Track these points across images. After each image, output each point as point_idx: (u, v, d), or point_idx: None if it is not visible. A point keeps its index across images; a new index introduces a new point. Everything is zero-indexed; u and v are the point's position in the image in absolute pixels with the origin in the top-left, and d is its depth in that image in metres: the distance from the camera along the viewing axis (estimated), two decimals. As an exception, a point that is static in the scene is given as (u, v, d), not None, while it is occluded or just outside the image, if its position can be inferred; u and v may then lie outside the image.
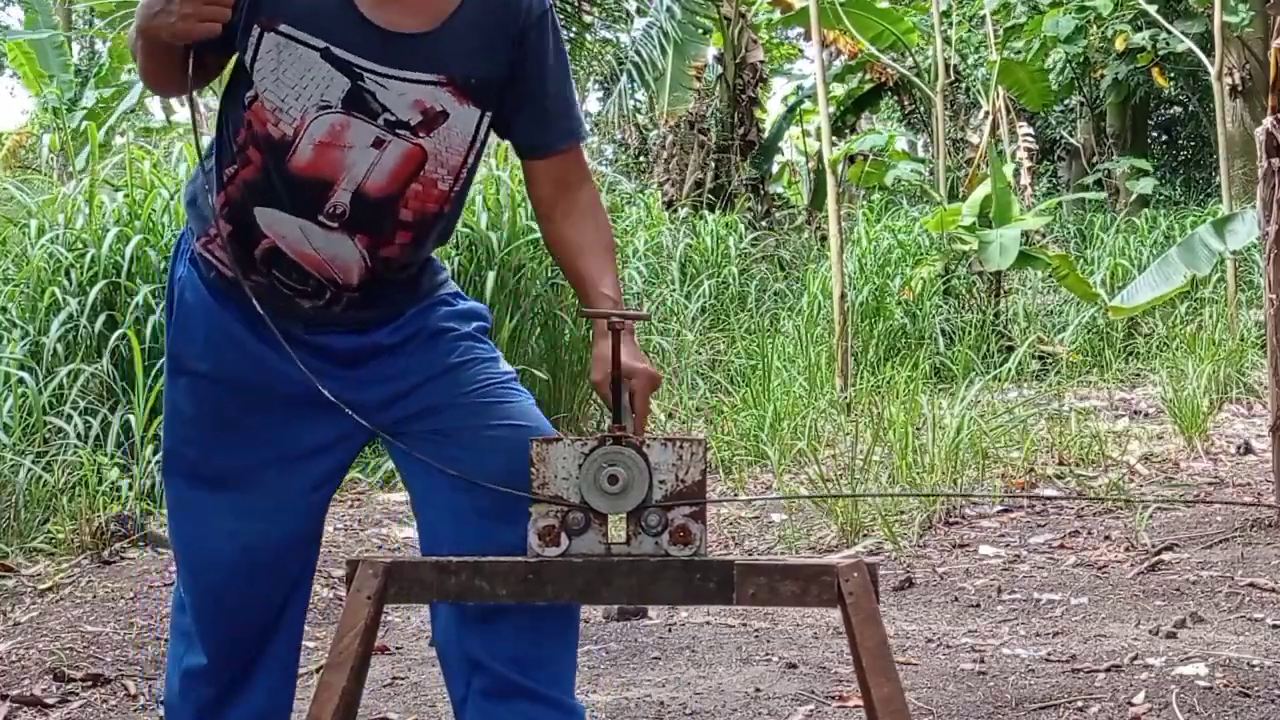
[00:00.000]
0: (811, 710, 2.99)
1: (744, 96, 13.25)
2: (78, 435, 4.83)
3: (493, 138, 2.14)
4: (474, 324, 2.17)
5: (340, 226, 1.99)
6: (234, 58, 2.00)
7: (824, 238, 10.92)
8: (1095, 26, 14.21)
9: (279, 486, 2.10)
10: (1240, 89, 13.50)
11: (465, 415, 2.06)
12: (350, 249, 2.01)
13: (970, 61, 15.61)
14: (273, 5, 1.93)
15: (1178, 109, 18.87)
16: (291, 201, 1.98)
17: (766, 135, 14.39)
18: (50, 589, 3.92)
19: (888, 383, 6.81)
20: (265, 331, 2.03)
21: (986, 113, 11.27)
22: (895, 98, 15.24)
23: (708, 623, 3.77)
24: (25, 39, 11.06)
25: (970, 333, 8.75)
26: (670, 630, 3.70)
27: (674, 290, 8.52)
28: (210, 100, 8.20)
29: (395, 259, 2.05)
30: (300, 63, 1.94)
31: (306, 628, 3.74)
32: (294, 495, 2.11)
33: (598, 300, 2.06)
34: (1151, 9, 11.33)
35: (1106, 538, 4.62)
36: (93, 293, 5.23)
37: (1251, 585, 3.92)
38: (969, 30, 15.27)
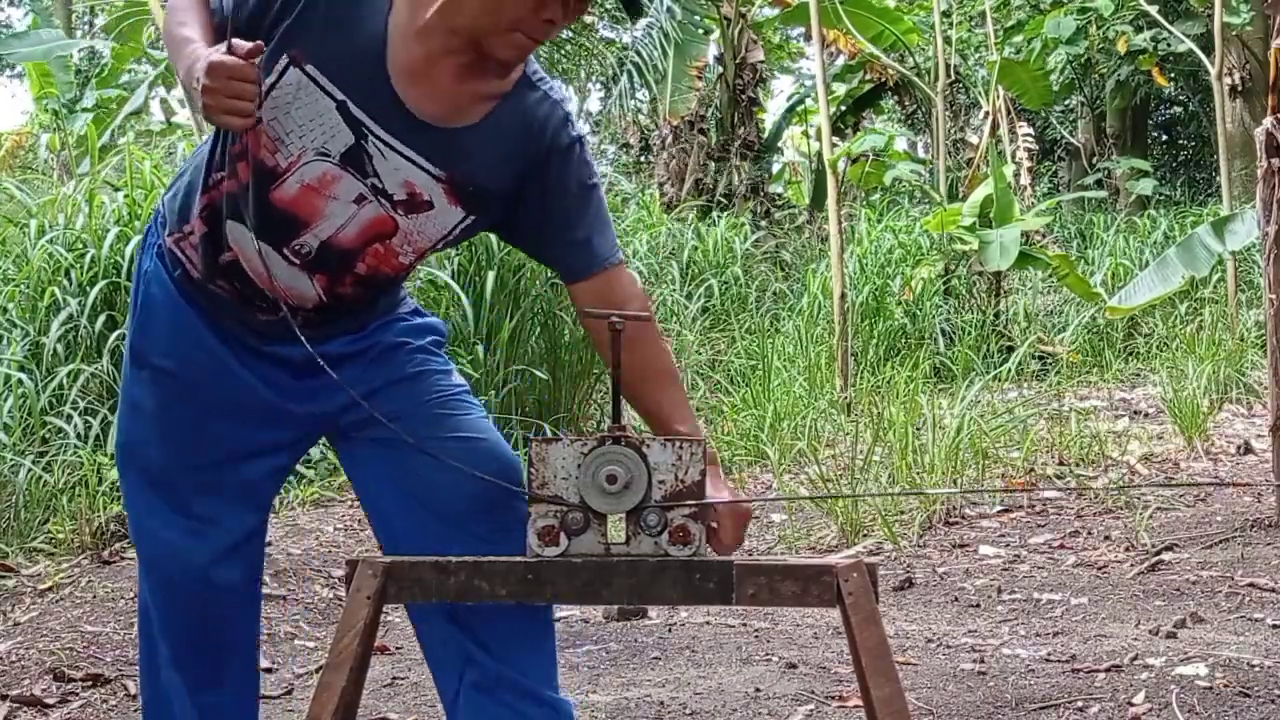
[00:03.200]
0: (811, 710, 2.99)
1: (744, 96, 13.24)
2: (78, 435, 4.83)
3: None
4: (429, 338, 2.19)
5: (302, 265, 2.00)
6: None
7: (824, 238, 10.91)
8: (1096, 27, 14.20)
9: (222, 484, 2.11)
10: (1240, 89, 13.50)
11: (420, 425, 2.08)
12: (307, 284, 2.02)
13: (971, 62, 15.61)
14: (308, 41, 1.91)
15: (1178, 109, 18.87)
16: (262, 227, 1.97)
17: (766, 135, 14.39)
18: (50, 589, 3.92)
19: (888, 383, 6.81)
20: (227, 334, 2.06)
21: (986, 113, 11.26)
22: (895, 98, 15.24)
23: (708, 623, 3.77)
24: (28, 56, 11.05)
25: (970, 333, 8.75)
26: (670, 630, 3.70)
27: (674, 290, 8.52)
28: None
29: (349, 297, 2.06)
30: (314, 106, 1.93)
31: (306, 627, 3.76)
32: (236, 492, 2.13)
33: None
34: (1152, 9, 11.33)
35: (1106, 538, 4.62)
36: (93, 293, 5.22)
37: (1251, 585, 3.92)
38: (969, 30, 15.27)
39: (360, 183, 1.96)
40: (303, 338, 1.99)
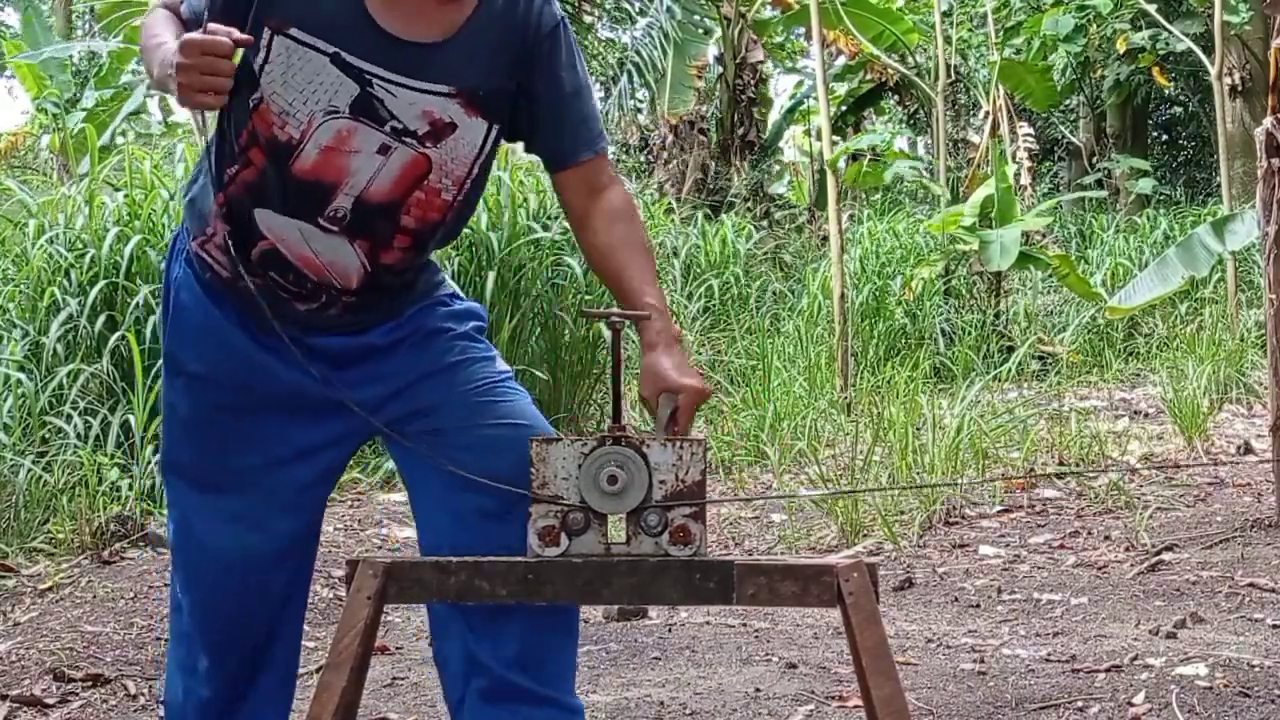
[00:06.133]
0: (811, 710, 2.99)
1: (744, 96, 13.24)
2: (78, 435, 4.83)
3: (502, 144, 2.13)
4: (470, 324, 2.17)
5: (340, 230, 1.99)
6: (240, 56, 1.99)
7: (825, 238, 10.91)
8: (1095, 26, 14.20)
9: (271, 488, 2.09)
10: (1240, 89, 13.49)
11: (463, 413, 2.06)
12: (350, 253, 2.01)
13: (971, 62, 15.60)
14: (284, 8, 1.92)
15: (1178, 109, 18.86)
16: (292, 204, 1.97)
17: (767, 135, 14.39)
18: (50, 589, 3.92)
19: (888, 383, 6.81)
20: (261, 334, 2.05)
21: (987, 113, 11.27)
22: (896, 98, 15.24)
23: (708, 623, 3.77)
24: (27, 60, 11.06)
25: (970, 333, 8.75)
26: (670, 630, 3.70)
27: (674, 290, 8.52)
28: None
29: (395, 264, 2.05)
30: (309, 66, 1.93)
31: (306, 627, 3.75)
32: (287, 495, 2.11)
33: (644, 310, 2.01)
34: (1151, 8, 11.33)
35: (1106, 538, 4.62)
36: (93, 293, 5.23)
37: (1251, 585, 3.92)
38: (970, 30, 15.27)
39: (378, 131, 1.95)
40: (294, 335, 1.99)
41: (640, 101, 13.41)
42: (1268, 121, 4.35)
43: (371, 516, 4.98)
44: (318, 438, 2.10)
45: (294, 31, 1.92)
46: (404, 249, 2.04)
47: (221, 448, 2.09)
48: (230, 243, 2.01)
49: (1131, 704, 2.93)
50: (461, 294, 2.26)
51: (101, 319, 5.23)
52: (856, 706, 2.92)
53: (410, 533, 4.50)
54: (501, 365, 2.16)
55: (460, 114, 1.99)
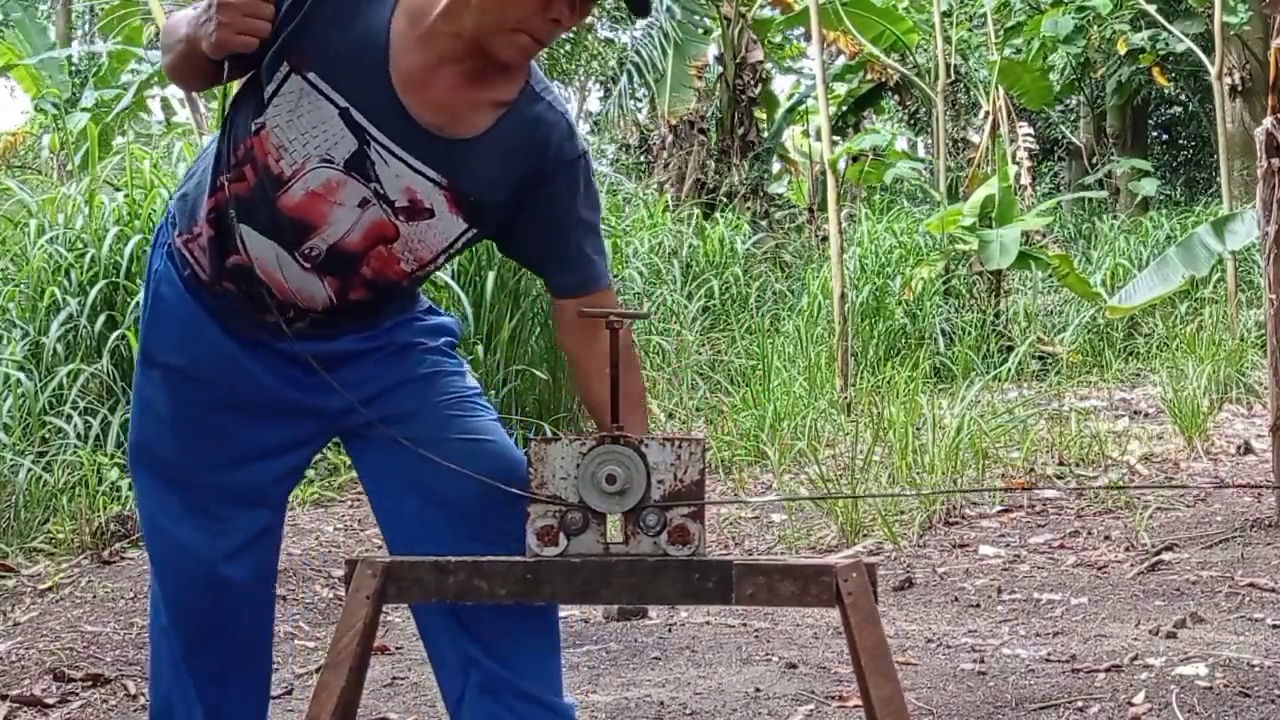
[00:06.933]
0: (811, 710, 2.99)
1: (744, 96, 13.23)
2: (77, 435, 4.83)
3: None
4: (443, 339, 2.19)
5: (313, 268, 2.00)
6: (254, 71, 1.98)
7: (824, 238, 10.91)
8: (1095, 27, 14.19)
9: (237, 483, 2.11)
10: (1240, 89, 13.49)
11: (431, 426, 2.08)
12: (319, 287, 2.02)
13: (971, 62, 15.60)
14: (310, 48, 1.91)
15: (1178, 109, 18.86)
16: (273, 231, 1.98)
17: (767, 135, 14.38)
18: (50, 589, 3.92)
19: (888, 383, 6.81)
20: (239, 333, 2.06)
21: (987, 113, 11.27)
22: (896, 98, 15.23)
23: (708, 623, 3.77)
24: (27, 63, 11.10)
25: (970, 333, 8.75)
26: (670, 630, 3.70)
27: (674, 290, 8.51)
28: (212, 102, 8.19)
29: (361, 300, 2.06)
30: (317, 113, 1.93)
31: (306, 627, 3.76)
32: (252, 491, 2.13)
33: None
34: (1151, 9, 11.33)
35: (1106, 538, 4.62)
36: (93, 293, 5.23)
37: (1251, 585, 3.92)
38: (969, 30, 15.27)
39: (364, 187, 1.96)
40: (296, 345, 2.00)
41: (640, 101, 13.40)
42: (1268, 121, 4.35)
43: (371, 517, 4.97)
44: (289, 436, 2.12)
45: (312, 76, 1.92)
46: (364, 290, 2.05)
47: (190, 441, 2.10)
48: (211, 246, 2.02)
49: (1131, 704, 2.93)
50: (437, 308, 2.28)
51: (101, 319, 5.23)
52: (856, 706, 2.92)
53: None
54: (471, 381, 2.19)
55: (442, 206, 1.98)
